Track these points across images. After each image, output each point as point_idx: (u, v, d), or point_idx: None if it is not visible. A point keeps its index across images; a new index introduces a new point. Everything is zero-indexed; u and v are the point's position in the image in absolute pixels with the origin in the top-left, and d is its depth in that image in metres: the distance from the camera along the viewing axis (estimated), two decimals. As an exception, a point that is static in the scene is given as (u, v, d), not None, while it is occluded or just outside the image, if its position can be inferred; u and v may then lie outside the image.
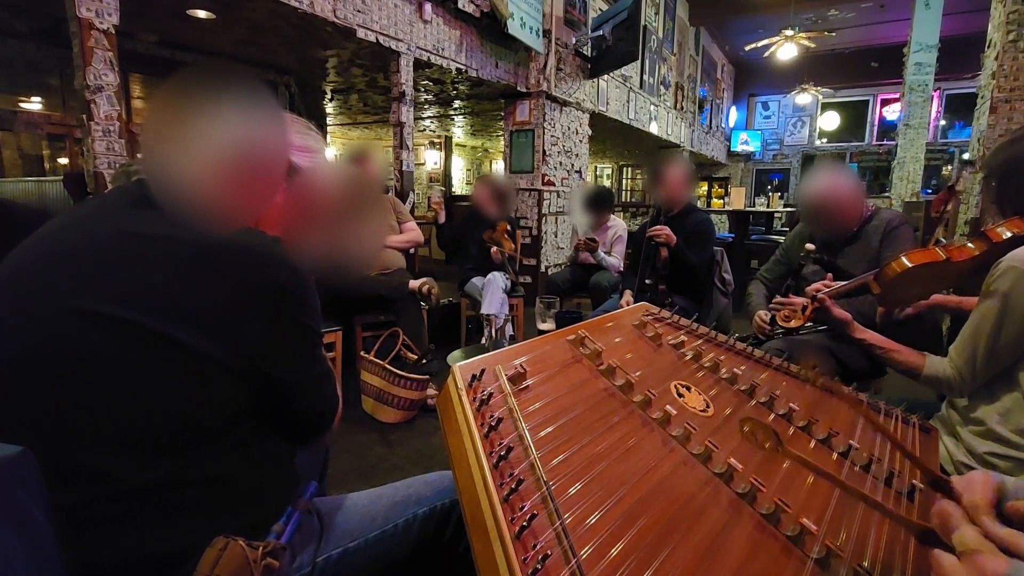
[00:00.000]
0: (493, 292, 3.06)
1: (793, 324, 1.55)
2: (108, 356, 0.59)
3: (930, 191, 8.60)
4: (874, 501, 0.52)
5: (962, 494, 0.45)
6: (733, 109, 12.95)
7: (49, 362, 0.59)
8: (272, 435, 0.73)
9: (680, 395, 0.75)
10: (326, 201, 0.73)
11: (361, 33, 3.55)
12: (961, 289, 1.51)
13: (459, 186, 10.69)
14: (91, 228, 0.66)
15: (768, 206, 7.25)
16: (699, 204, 8.92)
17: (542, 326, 1.69)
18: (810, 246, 1.70)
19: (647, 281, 2.54)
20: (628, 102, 7.08)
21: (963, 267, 1.12)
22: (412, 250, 3.42)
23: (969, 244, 1.12)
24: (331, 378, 0.80)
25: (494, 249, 3.28)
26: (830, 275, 1.59)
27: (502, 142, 5.83)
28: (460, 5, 4.15)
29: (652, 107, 7.88)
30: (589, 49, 5.67)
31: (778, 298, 1.81)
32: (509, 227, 3.42)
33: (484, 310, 3.02)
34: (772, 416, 0.77)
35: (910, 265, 1.15)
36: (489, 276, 3.16)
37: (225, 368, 0.63)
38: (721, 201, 8.92)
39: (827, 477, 0.54)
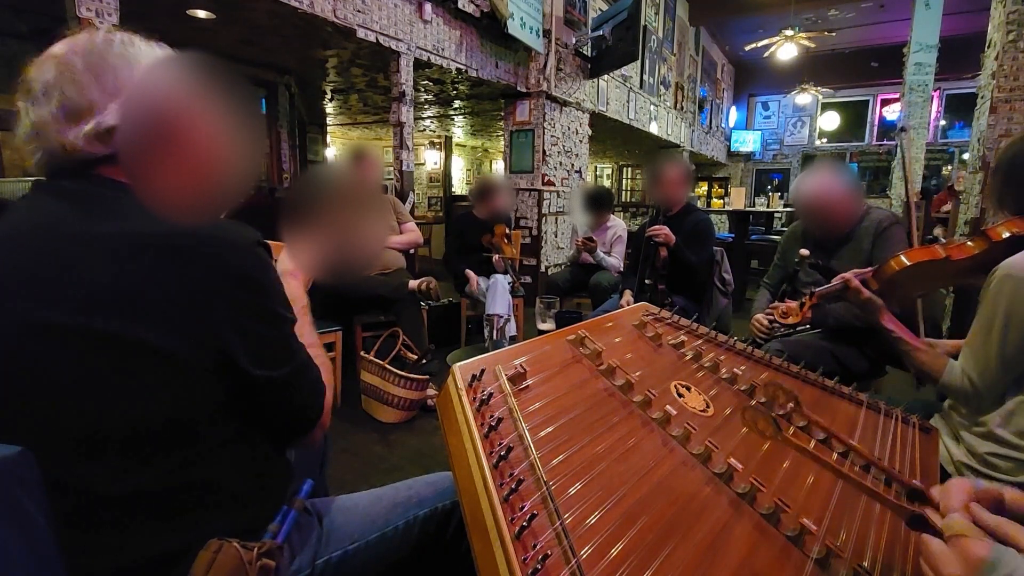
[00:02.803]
0: (499, 294, 3.05)
1: (791, 320, 1.54)
2: (63, 366, 0.57)
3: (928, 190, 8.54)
4: (867, 487, 0.52)
5: (939, 500, 0.47)
6: (733, 109, 12.94)
7: (7, 379, 0.57)
8: (259, 433, 0.70)
9: (680, 395, 0.75)
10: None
11: (361, 33, 3.55)
12: (960, 287, 1.51)
13: (459, 186, 10.69)
14: (26, 234, 0.62)
15: (768, 206, 7.25)
16: (699, 204, 8.93)
17: (542, 326, 1.69)
18: (804, 252, 1.69)
19: (647, 281, 2.54)
20: (628, 102, 7.08)
21: (962, 265, 1.11)
22: (412, 250, 3.41)
23: (969, 243, 1.12)
24: (311, 369, 0.75)
25: (496, 257, 3.27)
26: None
27: (502, 142, 5.83)
28: (460, 5, 4.15)
29: (652, 107, 7.88)
30: (589, 49, 5.67)
31: (776, 304, 1.81)
32: (508, 230, 3.41)
33: (489, 311, 3.01)
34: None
35: (908, 263, 1.15)
36: (492, 278, 3.16)
37: (194, 366, 0.60)
38: (721, 201, 8.92)
39: (820, 463, 0.55)
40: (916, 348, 1.17)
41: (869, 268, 1.30)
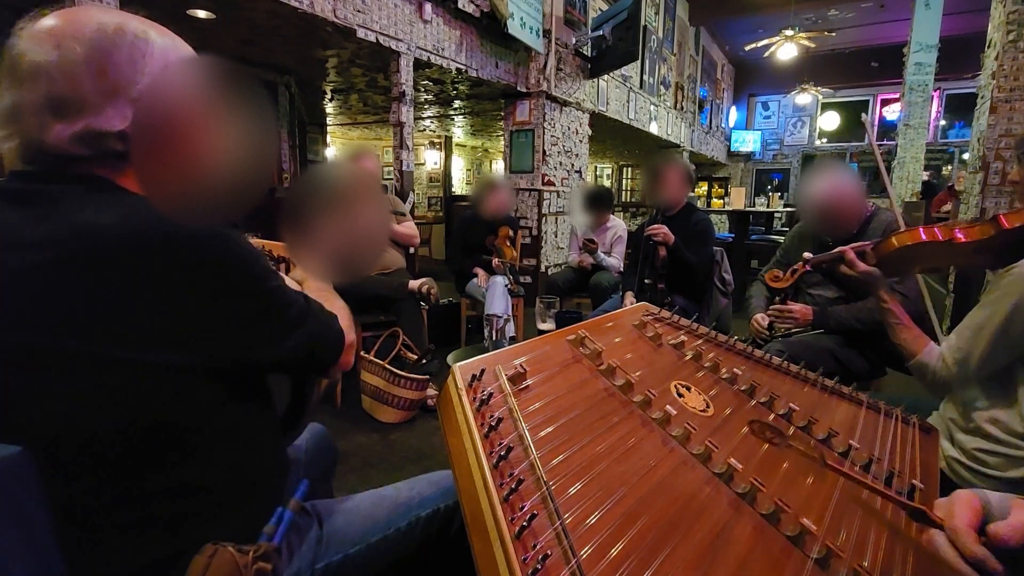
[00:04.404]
0: (498, 294, 3.06)
1: (780, 285, 1.57)
2: (37, 383, 0.54)
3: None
4: (869, 485, 0.52)
5: (944, 519, 0.46)
6: (733, 109, 12.94)
7: None
8: (246, 434, 0.67)
9: (680, 395, 0.75)
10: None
11: (361, 33, 3.55)
12: (959, 287, 1.50)
13: (459, 186, 10.69)
14: None
15: (768, 206, 7.25)
16: (699, 204, 8.93)
17: (542, 326, 1.69)
18: (807, 255, 1.69)
19: (647, 281, 2.54)
20: (628, 102, 7.08)
21: (967, 248, 1.10)
22: (412, 250, 3.41)
23: (977, 226, 1.11)
24: (301, 324, 0.68)
25: (496, 260, 3.28)
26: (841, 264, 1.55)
27: (502, 142, 5.83)
28: (460, 5, 4.15)
29: (652, 107, 7.88)
30: (589, 49, 5.67)
31: (776, 305, 1.81)
32: (511, 232, 3.42)
33: (488, 311, 3.02)
34: (772, 416, 0.77)
35: (911, 242, 1.14)
36: (491, 279, 3.17)
37: (178, 373, 0.57)
38: (721, 201, 8.92)
39: (818, 460, 0.55)
40: (903, 324, 1.20)
41: (868, 242, 1.29)
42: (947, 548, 0.44)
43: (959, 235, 1.08)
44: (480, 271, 3.29)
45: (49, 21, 0.58)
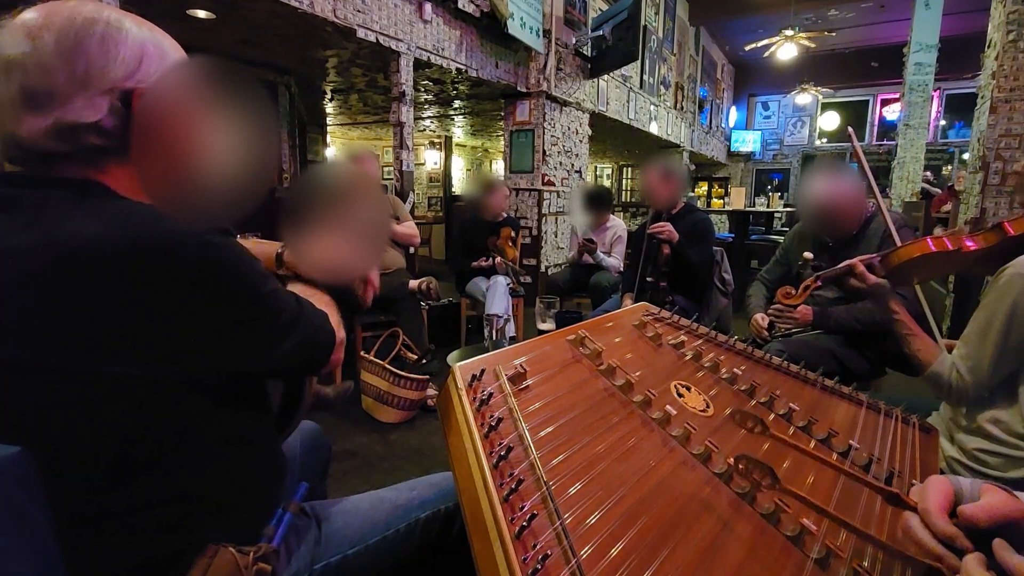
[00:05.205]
0: (499, 294, 3.06)
1: (792, 301, 1.58)
2: (19, 397, 0.53)
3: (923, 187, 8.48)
4: (846, 470, 0.54)
5: (917, 502, 0.48)
6: (733, 109, 12.94)
7: None
8: (244, 438, 0.67)
9: (680, 395, 0.75)
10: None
11: (361, 33, 3.55)
12: (960, 287, 1.50)
13: (459, 186, 10.69)
14: None
15: (768, 206, 7.26)
16: (699, 204, 8.93)
17: (542, 326, 1.69)
18: (808, 255, 1.68)
19: (648, 279, 2.53)
20: (628, 102, 7.07)
21: (972, 256, 1.11)
22: (412, 250, 3.42)
23: (982, 234, 1.11)
24: (295, 328, 0.66)
25: (498, 260, 3.28)
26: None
27: (502, 142, 5.82)
28: (460, 5, 4.15)
29: (652, 107, 7.87)
30: (589, 49, 5.67)
31: (778, 306, 1.81)
32: (513, 233, 3.42)
33: (489, 311, 3.02)
34: (772, 416, 0.77)
35: (919, 253, 1.15)
36: (493, 279, 3.17)
37: (169, 383, 0.56)
38: (721, 201, 8.91)
39: (803, 452, 0.55)
40: (914, 334, 1.19)
41: (875, 255, 1.29)
42: (920, 529, 0.46)
43: (968, 243, 1.09)
44: (483, 263, 3.32)
45: (28, 14, 0.57)
